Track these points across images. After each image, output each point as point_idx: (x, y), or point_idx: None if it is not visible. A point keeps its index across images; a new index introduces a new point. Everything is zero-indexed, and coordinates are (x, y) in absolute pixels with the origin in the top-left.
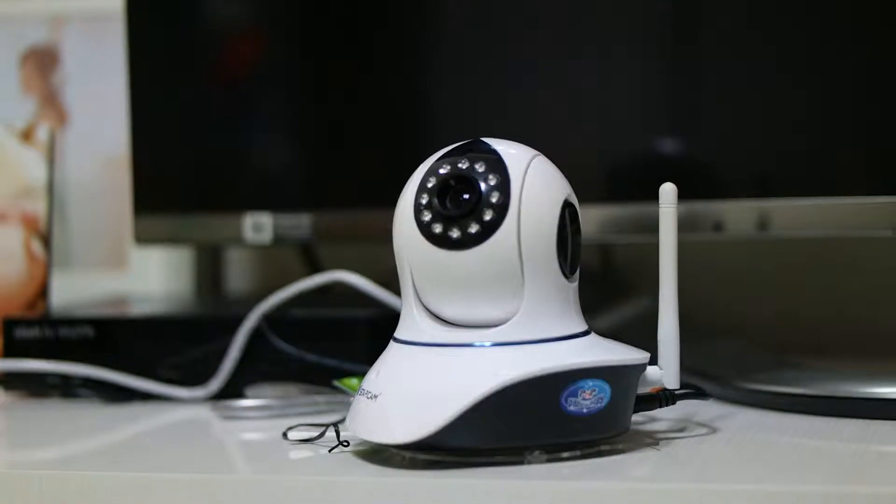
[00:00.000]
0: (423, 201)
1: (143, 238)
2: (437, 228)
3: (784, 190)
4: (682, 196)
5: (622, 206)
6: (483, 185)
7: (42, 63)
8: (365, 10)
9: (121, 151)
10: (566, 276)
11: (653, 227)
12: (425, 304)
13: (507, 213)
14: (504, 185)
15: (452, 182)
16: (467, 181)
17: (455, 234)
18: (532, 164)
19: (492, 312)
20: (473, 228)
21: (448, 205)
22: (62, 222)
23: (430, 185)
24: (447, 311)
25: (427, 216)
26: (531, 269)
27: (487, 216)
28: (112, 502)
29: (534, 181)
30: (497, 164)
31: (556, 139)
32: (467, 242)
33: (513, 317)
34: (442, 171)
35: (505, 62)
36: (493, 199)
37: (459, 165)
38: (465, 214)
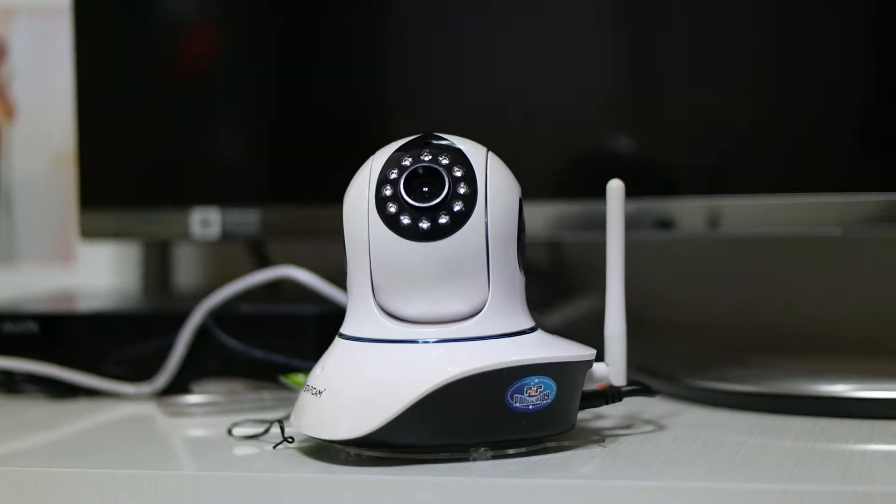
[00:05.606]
0: (388, 193)
1: (89, 233)
2: (405, 220)
3: (734, 187)
4: (633, 193)
5: (572, 203)
6: (450, 177)
7: None
8: (314, 6)
9: (69, 145)
10: (521, 270)
11: (603, 223)
12: (381, 300)
13: (475, 205)
14: (470, 177)
15: (420, 171)
16: (434, 173)
17: (425, 224)
18: (489, 158)
19: (454, 307)
20: (443, 219)
21: (414, 196)
22: (8, 216)
23: (392, 178)
24: (407, 307)
25: (393, 208)
26: (496, 261)
27: (457, 207)
28: (55, 499)
29: (494, 174)
30: (459, 157)
31: (506, 135)
32: (438, 233)
33: (475, 312)
34: (405, 162)
35: (456, 58)
36: (461, 191)
37: (423, 157)
38: (434, 206)
